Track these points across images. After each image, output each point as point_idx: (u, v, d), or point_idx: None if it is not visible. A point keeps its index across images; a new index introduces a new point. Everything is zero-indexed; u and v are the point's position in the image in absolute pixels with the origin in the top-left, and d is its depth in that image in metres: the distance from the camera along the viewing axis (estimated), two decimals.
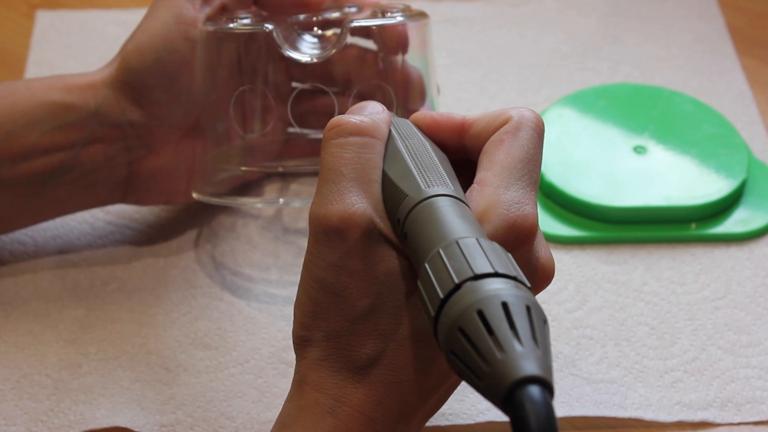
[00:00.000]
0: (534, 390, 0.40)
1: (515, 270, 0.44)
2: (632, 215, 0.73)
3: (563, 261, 0.71)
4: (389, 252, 0.50)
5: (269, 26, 0.65)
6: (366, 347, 0.50)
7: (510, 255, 0.46)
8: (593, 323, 0.68)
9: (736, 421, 0.63)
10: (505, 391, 0.40)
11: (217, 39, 0.66)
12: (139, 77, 0.66)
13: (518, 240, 0.50)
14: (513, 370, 0.40)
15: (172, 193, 0.70)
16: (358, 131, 0.52)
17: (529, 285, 0.44)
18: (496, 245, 0.46)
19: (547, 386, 0.40)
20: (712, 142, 0.76)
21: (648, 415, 0.63)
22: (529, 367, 0.40)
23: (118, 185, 0.68)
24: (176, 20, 0.66)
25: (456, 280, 0.44)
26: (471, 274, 0.44)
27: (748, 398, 0.64)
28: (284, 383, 0.64)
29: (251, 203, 0.73)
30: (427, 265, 0.45)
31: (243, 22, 0.66)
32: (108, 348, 0.66)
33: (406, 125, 0.56)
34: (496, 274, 0.43)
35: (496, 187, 0.51)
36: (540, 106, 0.81)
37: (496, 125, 0.54)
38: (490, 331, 0.42)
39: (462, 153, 0.56)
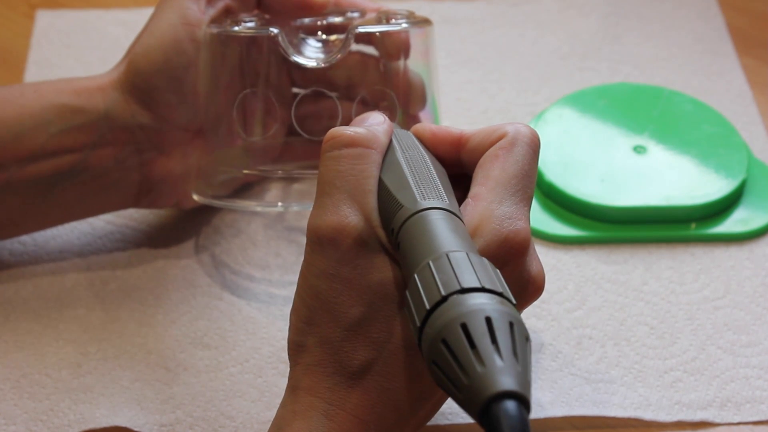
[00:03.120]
0: (510, 405, 0.41)
1: (502, 286, 0.45)
2: (632, 215, 0.73)
3: (563, 261, 0.71)
4: (383, 262, 0.51)
5: (275, 30, 0.65)
6: (358, 354, 0.51)
7: (498, 271, 0.47)
8: (593, 323, 0.68)
9: (735, 421, 0.63)
10: (482, 404, 0.41)
11: (221, 41, 0.66)
12: (147, 79, 0.66)
13: (510, 255, 0.51)
14: (491, 384, 0.41)
15: (183, 195, 0.69)
16: (352, 143, 0.53)
17: (514, 302, 0.45)
18: (485, 260, 0.46)
19: (523, 402, 0.41)
20: (711, 142, 0.76)
21: (647, 415, 0.63)
22: (507, 382, 0.41)
23: (129, 189, 0.68)
24: (183, 21, 0.66)
25: (443, 293, 0.44)
26: (458, 288, 0.44)
27: (747, 398, 0.64)
28: (283, 383, 0.64)
29: (250, 206, 0.73)
30: (416, 276, 0.46)
31: (248, 26, 0.66)
32: (108, 347, 0.66)
33: (407, 137, 0.57)
34: (482, 289, 0.44)
35: (490, 202, 0.52)
36: (540, 105, 0.81)
37: (492, 140, 0.54)
38: (472, 344, 0.42)
39: (459, 167, 0.57)
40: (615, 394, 0.64)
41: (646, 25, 0.88)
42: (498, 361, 0.41)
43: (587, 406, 0.64)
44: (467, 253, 0.46)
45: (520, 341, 0.43)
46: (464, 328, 0.43)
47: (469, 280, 0.45)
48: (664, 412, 0.64)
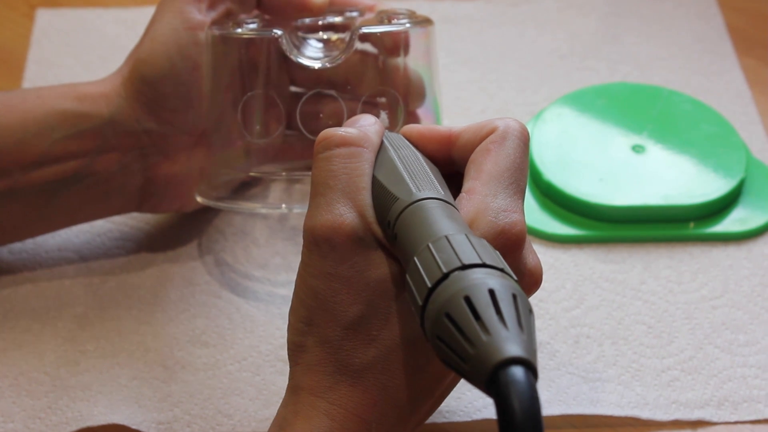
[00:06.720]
0: (518, 371, 0.41)
1: (502, 263, 0.45)
2: (630, 214, 0.73)
3: (561, 260, 0.71)
4: (380, 258, 0.51)
5: (278, 31, 0.65)
6: (358, 352, 0.51)
7: (498, 252, 0.46)
8: (591, 322, 0.68)
9: (732, 420, 0.63)
10: (489, 371, 0.41)
11: (224, 43, 0.66)
12: (153, 86, 0.65)
13: (506, 247, 0.51)
14: (498, 351, 0.41)
15: (186, 200, 0.69)
16: (344, 142, 0.53)
17: (516, 278, 0.45)
18: (485, 241, 0.47)
19: (531, 368, 0.41)
20: (710, 142, 0.76)
21: (645, 414, 0.63)
22: (513, 349, 0.41)
23: (133, 193, 0.68)
24: (185, 25, 0.65)
25: (444, 270, 0.44)
26: (459, 264, 0.44)
27: (745, 397, 0.64)
28: (282, 381, 0.65)
29: (254, 208, 0.73)
30: (416, 259, 0.46)
31: (250, 27, 0.66)
32: (106, 345, 0.66)
33: (398, 138, 0.57)
34: (483, 265, 0.44)
35: (484, 195, 0.52)
36: (539, 105, 0.81)
37: (482, 135, 0.54)
38: (477, 316, 0.42)
39: (450, 166, 0.57)
40: (612, 392, 0.64)
41: (645, 25, 0.88)
42: (503, 330, 0.41)
43: (584, 404, 0.64)
44: (466, 235, 0.46)
45: (524, 312, 0.43)
46: (468, 300, 0.43)
47: (470, 257, 0.45)
48: (662, 411, 0.64)
